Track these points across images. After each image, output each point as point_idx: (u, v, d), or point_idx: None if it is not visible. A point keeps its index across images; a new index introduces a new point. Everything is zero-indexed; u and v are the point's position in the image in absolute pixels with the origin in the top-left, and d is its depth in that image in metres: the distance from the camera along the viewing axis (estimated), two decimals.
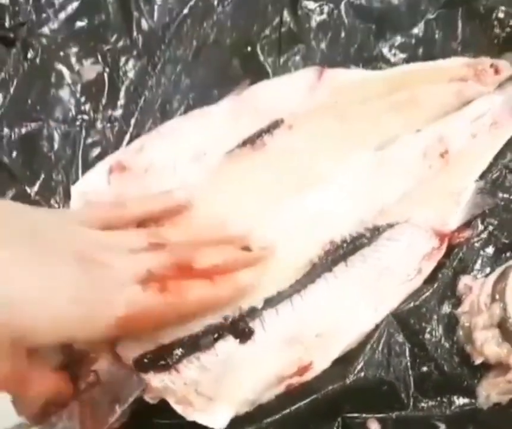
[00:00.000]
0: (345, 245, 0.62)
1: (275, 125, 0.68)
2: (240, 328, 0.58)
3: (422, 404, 0.60)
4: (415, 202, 0.65)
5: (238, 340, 0.58)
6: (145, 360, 0.56)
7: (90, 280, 0.51)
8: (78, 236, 0.54)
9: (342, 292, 0.61)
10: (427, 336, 0.62)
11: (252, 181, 0.66)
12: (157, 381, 0.56)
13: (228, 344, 0.58)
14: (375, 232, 0.64)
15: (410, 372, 0.61)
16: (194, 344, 0.57)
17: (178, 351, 0.57)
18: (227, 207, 0.64)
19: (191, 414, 0.56)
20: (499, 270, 0.61)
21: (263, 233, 0.62)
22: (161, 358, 0.56)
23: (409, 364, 0.61)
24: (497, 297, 0.59)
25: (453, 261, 0.64)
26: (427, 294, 0.63)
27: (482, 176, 0.67)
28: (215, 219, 0.63)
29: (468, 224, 0.65)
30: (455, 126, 0.69)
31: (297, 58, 0.75)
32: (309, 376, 0.59)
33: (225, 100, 0.71)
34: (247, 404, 0.58)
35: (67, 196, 0.68)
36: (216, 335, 0.58)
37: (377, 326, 0.61)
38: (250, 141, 0.68)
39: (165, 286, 0.54)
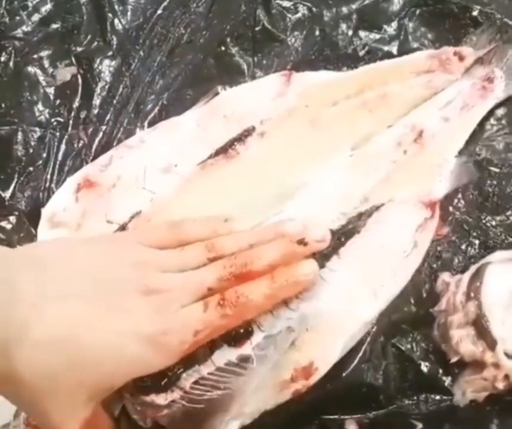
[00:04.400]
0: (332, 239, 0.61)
1: (246, 133, 0.67)
2: (232, 334, 0.57)
3: (400, 404, 0.60)
4: (396, 184, 0.65)
5: (233, 346, 0.57)
6: (145, 382, 0.55)
7: (158, 312, 0.52)
8: (137, 254, 0.55)
9: (339, 283, 0.60)
10: (404, 335, 0.62)
11: (229, 191, 0.65)
12: (161, 400, 0.55)
13: (224, 352, 0.57)
14: (362, 217, 0.63)
15: (387, 372, 0.61)
16: (191, 358, 0.55)
17: (176, 368, 0.55)
18: None
19: None
20: (473, 268, 0.61)
21: None
22: (160, 377, 0.55)
23: (386, 364, 0.61)
24: (472, 295, 0.59)
25: (430, 260, 0.64)
26: (404, 292, 0.63)
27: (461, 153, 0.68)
28: None
29: (445, 221, 0.66)
30: (426, 113, 0.69)
31: (272, 56, 0.75)
32: (315, 378, 0.58)
33: (192, 110, 0.70)
34: (252, 414, 0.57)
35: (41, 201, 0.68)
36: (210, 345, 0.56)
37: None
38: (223, 151, 0.67)
39: (224, 298, 0.54)
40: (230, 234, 0.60)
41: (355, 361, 0.61)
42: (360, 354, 0.61)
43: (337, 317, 0.59)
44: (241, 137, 0.67)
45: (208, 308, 0.53)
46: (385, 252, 0.62)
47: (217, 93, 0.71)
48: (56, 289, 0.50)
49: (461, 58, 0.71)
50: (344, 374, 0.60)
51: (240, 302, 0.54)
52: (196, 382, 0.55)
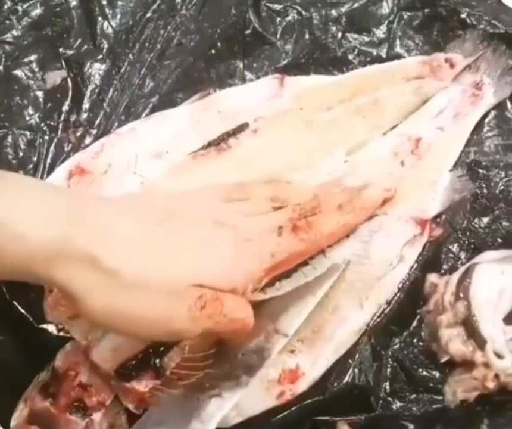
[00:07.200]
0: None
1: (240, 129, 0.68)
2: None
3: (391, 406, 0.60)
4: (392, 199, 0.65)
5: None
6: (127, 368, 0.54)
7: (234, 240, 0.54)
8: (214, 204, 0.58)
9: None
10: (393, 336, 0.62)
11: (218, 182, 0.64)
12: (141, 386, 0.54)
13: None
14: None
15: (378, 374, 0.61)
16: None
17: (156, 352, 0.54)
18: None
19: None
20: (462, 269, 0.62)
21: None
22: (143, 364, 0.54)
23: (377, 366, 0.61)
24: (461, 295, 0.59)
25: (418, 261, 0.64)
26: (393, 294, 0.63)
27: (456, 165, 0.69)
28: None
29: (438, 223, 0.66)
30: (420, 123, 0.70)
31: (262, 59, 0.75)
32: (302, 385, 0.58)
33: (186, 103, 0.71)
34: (237, 410, 0.57)
35: None
36: None
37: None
38: (215, 143, 0.67)
39: (295, 227, 0.56)
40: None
41: (346, 364, 0.61)
42: (350, 356, 0.61)
43: (324, 325, 0.60)
44: (234, 132, 0.68)
45: (282, 234, 0.55)
46: (371, 263, 0.62)
47: (209, 93, 0.72)
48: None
49: (452, 65, 0.72)
50: (335, 376, 0.60)
51: (312, 228, 0.56)
52: (176, 367, 0.55)
